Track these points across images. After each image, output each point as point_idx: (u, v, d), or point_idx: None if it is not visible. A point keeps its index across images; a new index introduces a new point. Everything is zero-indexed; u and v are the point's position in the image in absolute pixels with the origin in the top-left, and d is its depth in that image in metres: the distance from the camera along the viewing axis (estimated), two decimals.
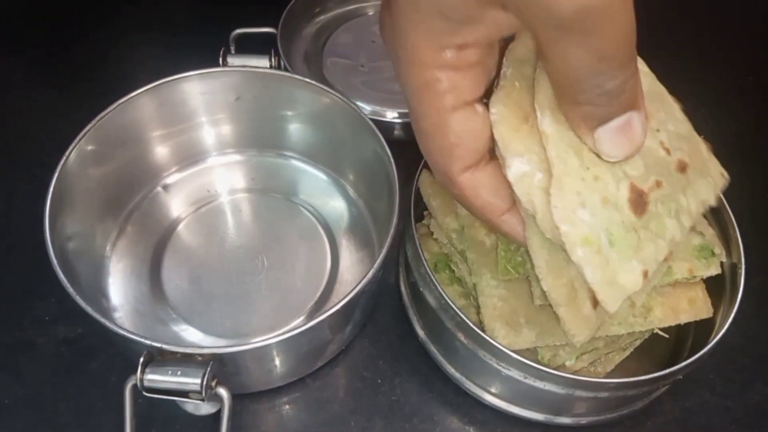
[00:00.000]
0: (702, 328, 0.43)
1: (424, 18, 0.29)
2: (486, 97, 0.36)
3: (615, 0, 0.25)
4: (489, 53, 0.33)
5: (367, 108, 0.60)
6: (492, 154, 0.36)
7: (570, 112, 0.33)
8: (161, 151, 0.54)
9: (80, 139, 0.45)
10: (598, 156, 0.36)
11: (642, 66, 0.42)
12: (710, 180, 0.40)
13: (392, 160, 0.46)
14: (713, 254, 0.42)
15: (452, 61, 0.30)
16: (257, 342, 0.38)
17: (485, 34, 0.30)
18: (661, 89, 0.43)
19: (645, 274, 0.35)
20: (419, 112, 0.33)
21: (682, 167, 0.39)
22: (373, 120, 0.48)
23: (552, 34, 0.27)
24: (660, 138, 0.40)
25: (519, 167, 0.35)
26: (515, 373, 0.38)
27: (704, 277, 0.42)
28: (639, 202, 0.36)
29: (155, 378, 0.36)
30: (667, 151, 0.39)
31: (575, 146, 0.36)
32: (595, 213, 0.35)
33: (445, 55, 0.30)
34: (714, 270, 0.42)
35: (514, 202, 0.36)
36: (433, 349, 0.46)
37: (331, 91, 0.50)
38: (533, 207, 0.35)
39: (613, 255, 0.35)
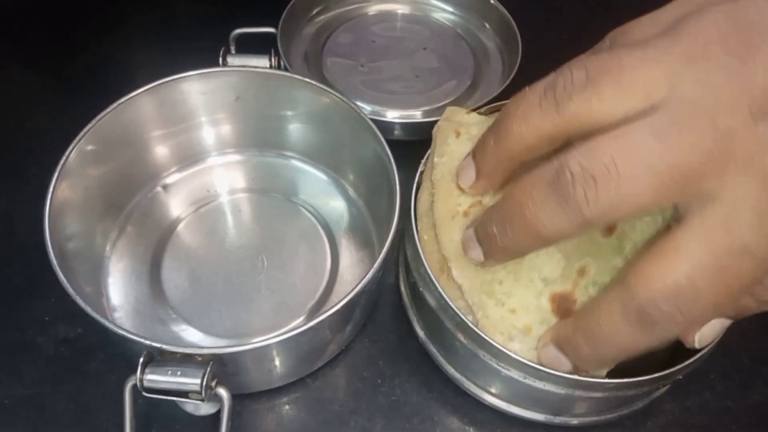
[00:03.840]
0: None
1: None
2: None
3: None
4: None
5: (367, 108, 0.60)
6: None
7: None
8: (161, 151, 0.54)
9: (80, 139, 0.46)
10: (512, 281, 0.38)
11: None
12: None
13: (392, 160, 0.46)
14: None
15: None
16: (257, 342, 0.38)
17: None
18: None
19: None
20: None
21: (609, 228, 0.39)
22: (373, 120, 0.48)
23: None
24: None
25: None
26: (515, 373, 0.38)
27: None
28: (564, 306, 0.38)
29: (155, 378, 0.36)
30: None
31: (486, 288, 0.39)
32: (523, 341, 0.37)
33: None
34: None
35: None
36: (433, 349, 0.46)
37: (331, 91, 0.50)
38: None
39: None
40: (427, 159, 0.46)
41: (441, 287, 0.40)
